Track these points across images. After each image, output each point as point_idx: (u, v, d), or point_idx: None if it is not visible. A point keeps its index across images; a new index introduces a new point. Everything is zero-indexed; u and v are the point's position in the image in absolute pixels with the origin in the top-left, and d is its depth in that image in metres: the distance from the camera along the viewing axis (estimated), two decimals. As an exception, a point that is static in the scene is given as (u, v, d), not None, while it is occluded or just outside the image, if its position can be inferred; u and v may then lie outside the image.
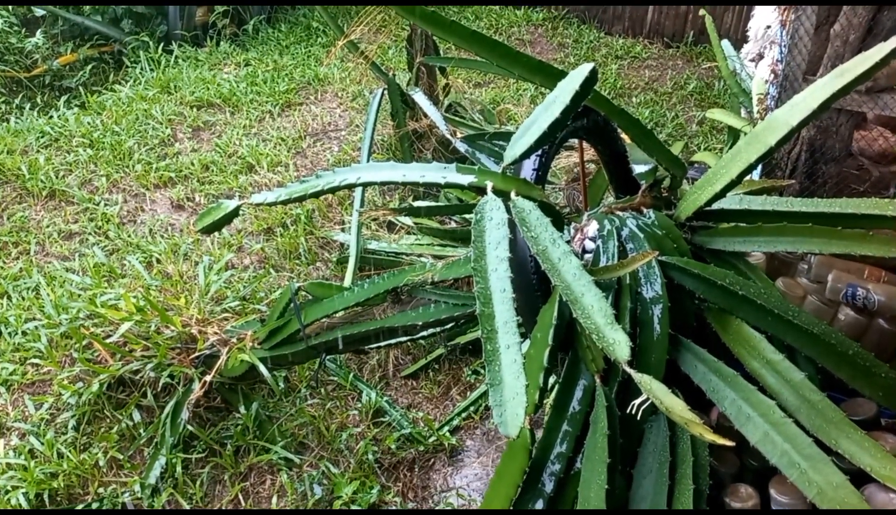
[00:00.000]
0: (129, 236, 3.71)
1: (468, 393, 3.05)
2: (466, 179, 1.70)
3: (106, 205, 3.95)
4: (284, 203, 1.82)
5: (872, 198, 1.80)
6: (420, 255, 3.52)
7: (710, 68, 5.48)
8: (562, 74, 1.77)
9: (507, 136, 3.90)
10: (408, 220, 3.76)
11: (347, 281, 3.30)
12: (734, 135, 3.70)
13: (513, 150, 1.67)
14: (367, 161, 3.70)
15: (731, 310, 1.82)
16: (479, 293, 1.47)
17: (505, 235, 1.55)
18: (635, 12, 6.17)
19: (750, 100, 3.42)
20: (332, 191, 1.77)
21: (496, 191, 1.67)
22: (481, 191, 1.68)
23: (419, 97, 3.95)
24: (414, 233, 3.73)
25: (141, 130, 4.56)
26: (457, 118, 4.23)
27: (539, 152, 1.82)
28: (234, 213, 1.85)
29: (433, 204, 3.70)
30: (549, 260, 1.52)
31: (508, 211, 1.62)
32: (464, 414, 2.95)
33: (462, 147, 3.84)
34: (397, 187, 4.24)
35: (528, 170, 1.84)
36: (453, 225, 3.81)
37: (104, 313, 2.74)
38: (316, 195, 1.80)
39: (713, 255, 1.97)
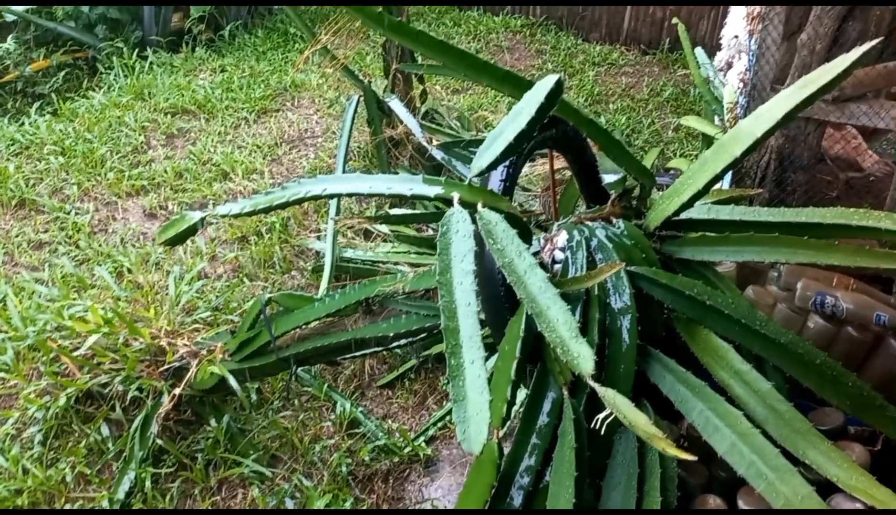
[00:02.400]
0: (100, 246, 3.66)
1: (444, 403, 3.03)
2: (433, 191, 1.68)
3: (77, 213, 3.89)
4: (249, 214, 1.80)
5: (838, 208, 1.80)
6: (396, 263, 3.50)
7: (685, 75, 5.52)
8: (529, 85, 1.76)
9: (483, 143, 3.92)
10: (384, 228, 3.74)
11: (322, 291, 3.27)
12: (708, 142, 3.72)
13: (480, 162, 1.66)
14: (343, 168, 3.68)
15: (699, 320, 1.82)
16: (444, 306, 1.46)
17: (471, 248, 1.53)
18: (612, 20, 6.20)
19: (723, 107, 3.44)
20: (298, 202, 1.75)
21: (463, 203, 1.66)
22: (448, 202, 1.67)
23: (395, 104, 3.93)
24: (390, 241, 3.71)
25: (114, 138, 4.51)
26: (433, 125, 4.22)
27: (507, 163, 1.81)
28: (198, 226, 1.82)
29: (409, 212, 3.69)
30: (514, 273, 1.51)
31: (476, 222, 1.61)
32: (439, 424, 2.93)
33: (438, 154, 3.83)
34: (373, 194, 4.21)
35: (495, 181, 1.83)
36: (430, 232, 3.79)
37: (72, 325, 2.69)
38: (282, 206, 1.78)
39: (682, 265, 1.97)
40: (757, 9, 2.37)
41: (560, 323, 1.41)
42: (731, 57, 2.90)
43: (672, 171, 4.23)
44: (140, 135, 4.56)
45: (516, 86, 1.88)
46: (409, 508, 2.63)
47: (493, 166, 1.65)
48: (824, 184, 3.72)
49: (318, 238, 3.77)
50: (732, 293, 1.93)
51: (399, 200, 4.05)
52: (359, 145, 4.42)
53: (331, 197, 1.73)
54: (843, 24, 2.21)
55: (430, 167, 4.05)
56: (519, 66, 5.90)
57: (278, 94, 5.18)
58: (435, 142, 3.89)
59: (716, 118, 3.63)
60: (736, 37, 2.80)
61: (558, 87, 1.62)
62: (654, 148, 4.62)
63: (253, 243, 3.73)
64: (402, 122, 3.92)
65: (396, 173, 3.95)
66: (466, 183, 1.70)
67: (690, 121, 3.91)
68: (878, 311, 2.07)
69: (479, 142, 3.75)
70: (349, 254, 3.55)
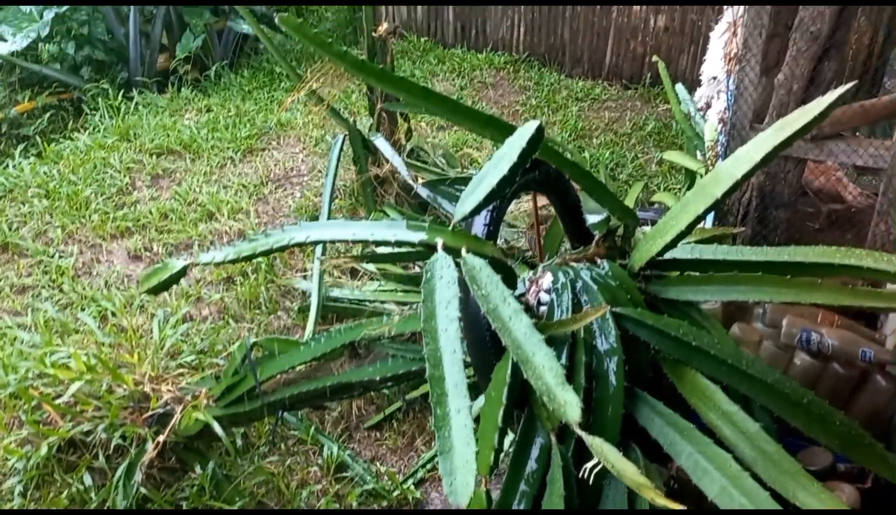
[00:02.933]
0: (84, 289, 3.63)
1: (433, 443, 3.00)
2: (417, 236, 1.68)
3: (61, 257, 3.86)
4: (232, 262, 1.79)
5: (820, 247, 1.81)
6: (383, 302, 3.49)
7: (667, 109, 5.59)
8: (511, 129, 1.78)
9: (468, 181, 3.93)
10: (371, 267, 3.73)
11: (309, 332, 3.25)
12: (691, 176, 3.76)
13: (463, 207, 1.67)
14: (329, 208, 3.69)
15: (685, 361, 1.81)
16: (428, 354, 1.45)
17: (455, 294, 1.53)
18: (594, 55, 6.30)
19: (704, 143, 3.49)
20: (282, 249, 1.75)
21: (447, 248, 1.66)
22: (432, 248, 1.66)
23: (380, 143, 3.96)
24: (377, 280, 3.70)
25: (99, 179, 4.50)
26: (419, 163, 4.24)
27: (490, 207, 1.81)
28: (181, 274, 1.81)
29: (395, 250, 3.68)
30: (499, 319, 1.50)
31: (460, 268, 1.61)
32: (429, 466, 2.90)
33: (424, 192, 3.84)
34: (360, 233, 4.21)
35: (479, 225, 1.84)
36: (417, 269, 3.79)
37: (54, 373, 2.65)
38: (265, 254, 1.77)
39: (668, 304, 1.98)
40: (734, 50, 2.41)
41: (546, 370, 1.40)
42: (709, 97, 2.94)
43: (656, 205, 4.27)
44: (125, 176, 4.55)
45: (498, 129, 1.89)
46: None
47: (476, 211, 1.65)
48: (807, 217, 3.76)
49: (305, 278, 3.76)
50: (718, 332, 1.93)
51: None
52: (345, 184, 4.43)
53: (314, 243, 1.73)
54: (818, 65, 2.25)
55: (416, 205, 4.07)
56: (503, 102, 5.96)
57: (264, 133, 5.19)
58: (421, 181, 3.91)
59: (697, 153, 3.67)
60: (714, 78, 2.85)
61: (539, 133, 1.63)
62: (637, 181, 4.66)
63: (239, 284, 3.71)
64: (387, 161, 3.94)
65: (382, 211, 3.96)
66: (450, 228, 1.70)
67: (673, 156, 3.95)
68: (864, 347, 2.08)
69: (464, 180, 3.78)
70: (336, 293, 3.53)
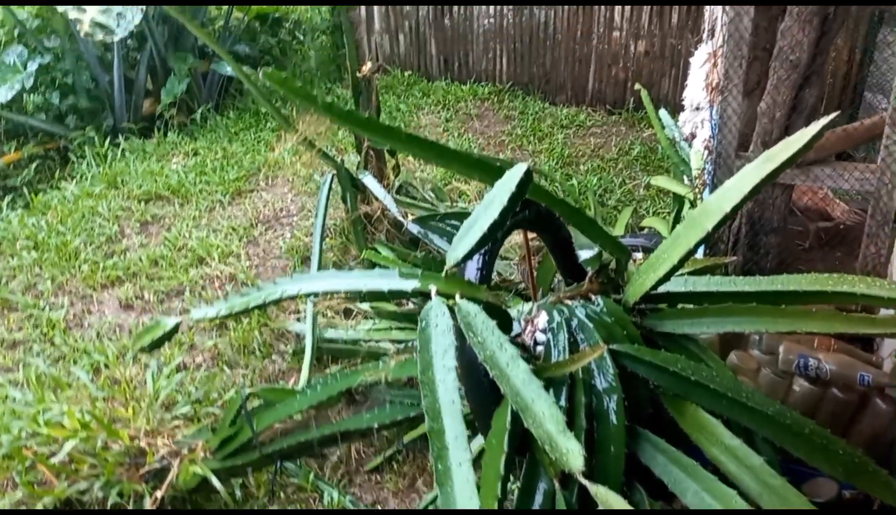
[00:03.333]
0: (76, 341, 3.59)
1: (434, 485, 2.96)
2: (410, 285, 1.68)
3: (51, 309, 3.83)
4: (225, 317, 1.77)
5: (812, 274, 1.82)
6: (378, 341, 3.47)
7: (652, 134, 5.64)
8: (499, 170, 1.78)
9: (459, 216, 3.94)
10: (365, 305, 3.72)
11: (304, 374, 3.22)
12: (679, 201, 3.78)
13: (455, 253, 1.66)
14: (320, 247, 3.68)
15: (685, 396, 1.81)
16: (427, 407, 1.43)
17: (451, 343, 1.52)
18: (577, 82, 6.36)
19: (690, 168, 3.51)
20: (275, 303, 1.74)
21: (441, 295, 1.66)
22: (426, 295, 1.66)
23: (369, 181, 3.96)
24: (371, 318, 3.68)
25: (87, 228, 4.48)
26: (408, 199, 4.24)
27: (482, 251, 1.81)
28: (174, 331, 1.80)
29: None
30: (497, 367, 1.50)
31: (455, 315, 1.61)
32: (431, 507, 2.86)
33: (415, 229, 3.84)
34: (352, 270, 4.20)
35: (472, 270, 1.84)
36: (411, 306, 3.78)
37: (48, 432, 2.62)
38: (258, 307, 1.76)
39: (664, 338, 1.97)
40: (715, 79, 2.44)
41: (546, 417, 1.39)
42: (694, 127, 2.97)
43: (646, 230, 4.28)
44: (114, 224, 4.54)
45: (486, 171, 1.90)
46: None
47: (468, 256, 1.65)
48: (796, 236, 3.78)
49: (298, 320, 3.73)
50: (716, 365, 1.92)
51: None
52: (335, 222, 4.43)
53: (307, 296, 1.72)
54: (800, 92, 2.28)
55: (408, 241, 4.06)
56: (489, 133, 5.99)
57: (252, 175, 5.20)
58: (411, 217, 3.92)
59: (684, 178, 3.69)
60: (698, 108, 2.88)
61: (528, 176, 1.63)
62: (627, 207, 4.69)
63: (232, 329, 3.68)
64: (376, 198, 3.94)
65: (374, 249, 3.95)
66: (443, 274, 1.70)
67: (660, 182, 3.98)
68: (861, 371, 2.08)
69: (454, 215, 3.78)
70: (330, 334, 3.51)
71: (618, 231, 4.28)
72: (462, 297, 1.64)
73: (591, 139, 5.82)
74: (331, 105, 1.80)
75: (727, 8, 2.20)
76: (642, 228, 4.38)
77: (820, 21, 2.17)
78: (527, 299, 3.50)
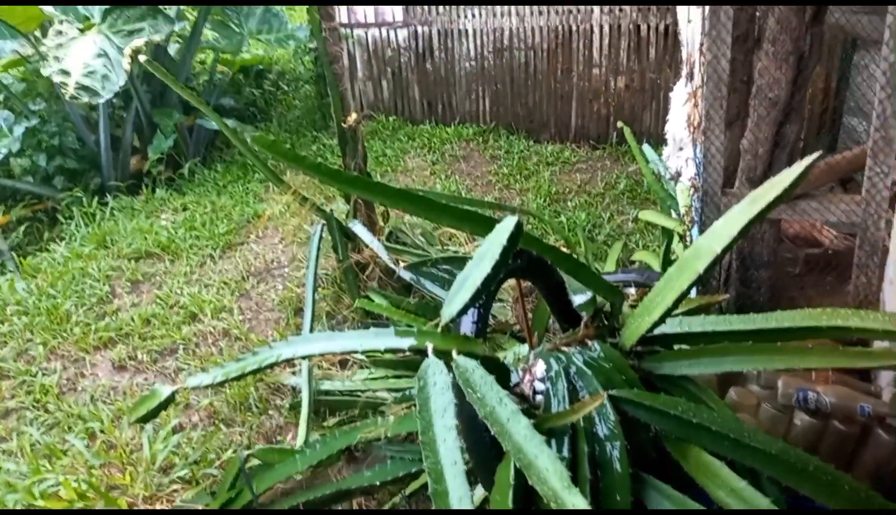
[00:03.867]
0: (70, 407, 3.54)
1: (438, 535, 2.92)
2: (406, 343, 1.67)
3: (44, 375, 3.79)
4: (221, 384, 1.76)
5: (806, 310, 1.83)
6: (376, 391, 3.44)
7: (637, 168, 5.69)
8: (488, 221, 1.80)
9: (450, 261, 3.95)
10: (360, 354, 3.70)
11: (302, 430, 3.18)
12: (668, 234, 3.80)
13: (450, 308, 1.66)
14: (313, 298, 3.67)
15: (688, 439, 1.80)
16: (429, 468, 1.42)
17: (450, 401, 1.51)
18: (560, 119, 6.44)
19: (676, 202, 3.54)
20: (270, 367, 1.73)
21: (437, 352, 1.65)
22: (422, 352, 1.65)
23: (359, 229, 3.98)
24: (367, 367, 3.66)
25: (78, 290, 4.46)
26: (398, 245, 4.26)
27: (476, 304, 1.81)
28: (170, 401, 1.78)
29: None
30: (497, 422, 1.48)
31: (452, 371, 1.60)
32: (436, 560, 2.82)
33: (407, 275, 3.85)
34: (346, 320, 4.20)
35: (467, 324, 1.83)
36: (407, 353, 3.75)
37: (44, 505, 2.57)
38: (254, 372, 1.75)
39: (663, 380, 1.97)
40: (696, 119, 2.47)
41: (550, 473, 1.37)
42: (679, 166, 3.01)
43: (637, 264, 4.30)
44: (104, 284, 4.52)
45: (476, 223, 1.91)
46: None
47: (463, 311, 1.65)
48: (786, 263, 3.80)
49: (294, 373, 3.71)
50: (717, 405, 1.92)
51: (371, 323, 4.04)
52: (326, 272, 4.42)
53: (303, 358, 1.71)
54: (780, 129, 2.32)
55: (400, 287, 4.06)
56: (476, 173, 6.04)
57: (242, 227, 5.20)
58: (402, 264, 3.93)
59: (672, 211, 3.72)
60: (681, 149, 2.92)
61: (518, 229, 1.64)
62: (616, 241, 4.71)
63: (227, 386, 3.64)
64: (367, 246, 3.95)
65: (367, 297, 3.95)
66: (439, 330, 1.70)
67: (648, 216, 4.00)
68: (861, 402, 2.08)
69: (445, 260, 3.78)
70: (326, 386, 3.48)
71: (609, 266, 4.29)
72: (459, 353, 1.64)
73: (577, 175, 5.87)
74: (319, 165, 1.81)
75: (705, 50, 2.24)
76: (633, 262, 4.40)
77: (796, 60, 2.22)
78: (522, 340, 3.49)
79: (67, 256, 4.84)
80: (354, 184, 1.86)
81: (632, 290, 3.36)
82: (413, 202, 1.89)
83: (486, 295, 1.75)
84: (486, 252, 1.66)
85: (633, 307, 2.53)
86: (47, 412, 3.53)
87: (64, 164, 5.81)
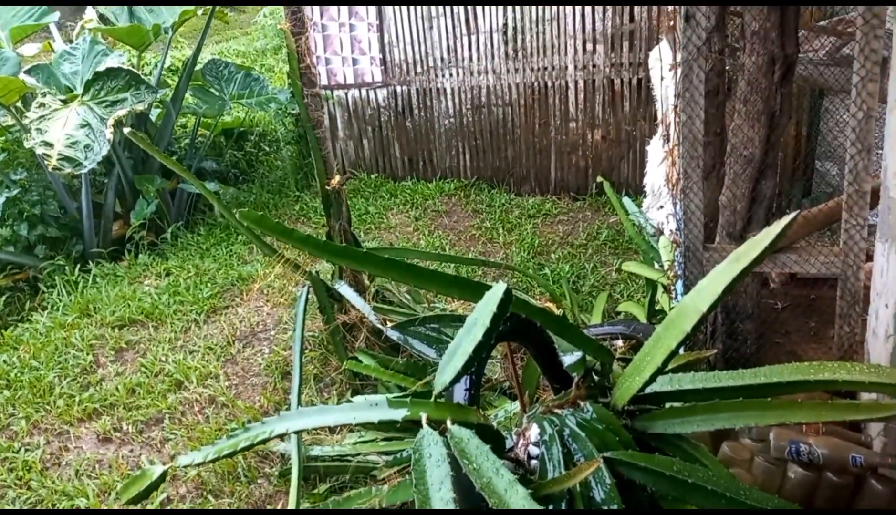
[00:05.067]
0: (54, 483, 3.47)
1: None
2: (399, 414, 1.67)
3: (27, 450, 3.71)
4: (213, 461, 1.74)
5: (793, 364, 1.85)
6: (366, 454, 3.41)
7: (617, 217, 5.77)
8: (476, 286, 1.82)
9: (437, 319, 3.95)
10: (349, 419, 3.66)
11: (292, 498, 3.12)
12: (652, 285, 3.85)
13: (442, 377, 1.67)
14: (300, 362, 3.65)
15: (684, 499, 1.79)
16: (428, 544, 1.41)
17: (447, 473, 1.50)
18: (540, 172, 6.54)
19: (658, 253, 3.59)
20: (262, 443, 1.71)
21: (431, 422, 1.65)
22: (416, 423, 1.65)
23: (345, 290, 3.98)
24: (357, 430, 3.62)
25: (61, 361, 4.40)
26: (385, 305, 4.26)
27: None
28: (161, 480, 1.75)
29: (374, 397, 3.63)
30: (495, 493, 1.48)
31: (447, 442, 1.59)
32: None
33: (394, 335, 3.84)
34: (334, 382, 4.17)
35: (460, 392, 1.84)
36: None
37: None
38: (246, 449, 1.73)
39: (656, 439, 1.97)
40: (674, 177, 2.53)
41: (550, 545, 1.37)
42: (660, 224, 3.06)
43: (623, 315, 4.33)
44: (88, 354, 4.46)
45: (464, 289, 1.93)
46: None
47: (456, 380, 1.65)
48: (769, 297, 3.85)
49: (283, 439, 3.66)
50: (711, 462, 1.92)
51: (360, 386, 4.01)
52: (313, 334, 4.41)
53: (296, 433, 1.70)
54: (756, 185, 2.38)
55: (388, 347, 4.05)
56: (459, 228, 6.09)
57: (226, 290, 5.18)
58: (389, 324, 3.92)
59: (655, 263, 3.77)
60: (661, 207, 2.98)
61: (507, 296, 1.66)
62: (601, 292, 4.75)
63: (215, 455, 3.59)
64: (354, 307, 3.95)
65: (355, 359, 3.93)
66: (432, 399, 1.70)
67: (632, 267, 4.05)
68: (853, 453, 2.09)
69: (433, 318, 3.78)
70: (316, 451, 3.44)
71: (595, 318, 4.32)
72: (453, 422, 1.64)
73: (559, 226, 5.93)
74: (307, 238, 1.83)
75: (679, 111, 2.31)
76: (618, 313, 4.43)
77: (768, 118, 2.29)
78: (513, 397, 3.48)
79: (50, 326, 4.79)
80: (343, 256, 1.88)
81: (619, 343, 3.38)
82: (401, 271, 1.90)
83: (477, 362, 1.76)
84: (476, 320, 1.67)
85: (621, 361, 2.55)
86: (30, 489, 3.45)
87: (46, 233, 5.79)
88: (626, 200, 4.10)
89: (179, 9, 6.28)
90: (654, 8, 5.72)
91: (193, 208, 6.70)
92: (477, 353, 1.66)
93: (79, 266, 5.58)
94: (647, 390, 1.96)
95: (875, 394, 1.95)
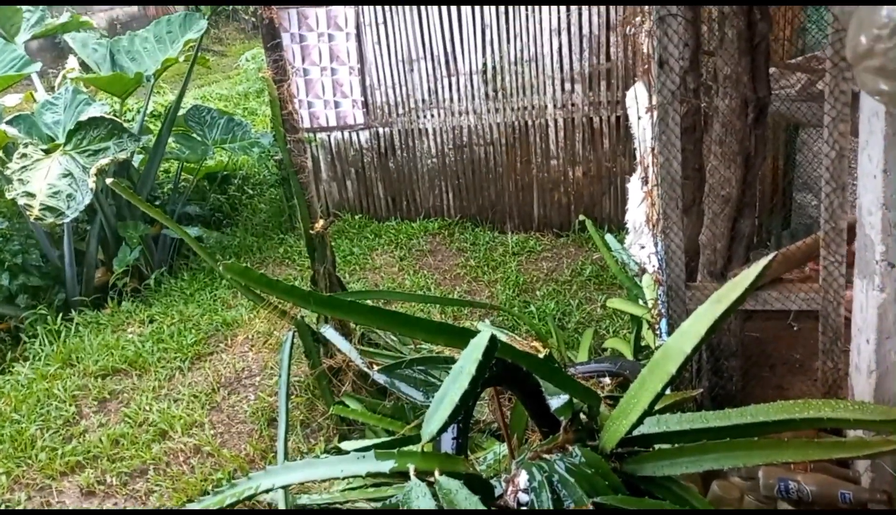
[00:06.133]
0: (35, 541, 3.40)
1: None
2: (387, 465, 1.66)
3: (7, 506, 3.63)
4: (200, 520, 1.71)
5: (779, 403, 1.86)
6: (355, 502, 3.36)
7: (601, 254, 5.81)
8: (462, 332, 1.82)
9: (424, 361, 3.94)
10: (336, 463, 3.62)
11: (281, 550, 3.08)
12: (637, 321, 3.87)
13: (429, 427, 1.66)
14: (286, 408, 3.61)
15: (676, 543, 1.79)
16: (419, 601, 1.39)
17: (435, 525, 1.49)
18: (522, 210, 6.59)
19: (642, 290, 3.62)
20: (249, 499, 1.69)
21: (419, 473, 1.64)
22: (404, 475, 1.64)
23: (330, 334, 3.96)
24: (346, 477, 3.58)
25: (43, 413, 4.34)
26: (371, 348, 4.24)
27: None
28: (147, 542, 1.72)
29: (362, 442, 3.60)
30: (485, 546, 1.47)
31: (436, 494, 1.58)
32: None
33: (381, 379, 3.81)
34: (321, 428, 4.13)
35: (447, 441, 1.83)
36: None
37: None
38: (232, 505, 1.71)
39: (646, 482, 1.96)
40: (654, 217, 2.57)
41: (541, 598, 1.35)
42: (642, 263, 3.10)
43: (609, 351, 4.34)
44: (70, 405, 4.40)
45: (450, 335, 1.94)
46: None
47: (443, 430, 1.65)
48: (751, 328, 3.87)
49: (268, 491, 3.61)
50: (701, 504, 1.92)
51: (348, 430, 3.98)
52: (299, 379, 4.38)
53: (283, 488, 1.68)
54: (735, 225, 2.42)
55: (375, 391, 4.02)
56: (443, 267, 6.10)
57: (211, 336, 5.14)
58: (376, 367, 3.90)
59: (639, 299, 3.80)
60: (643, 247, 3.02)
61: (493, 343, 1.67)
62: (587, 329, 4.76)
63: (201, 506, 3.53)
64: (340, 350, 3.93)
65: (341, 403, 3.90)
66: (419, 449, 1.69)
67: (616, 304, 4.08)
68: (842, 489, 2.09)
69: (419, 360, 3.77)
70: (303, 500, 3.38)
71: (581, 355, 4.32)
72: (441, 473, 1.63)
73: (544, 263, 5.96)
74: (292, 289, 1.83)
75: (657, 153, 2.36)
76: (605, 349, 4.44)
77: (743, 159, 2.34)
78: (501, 439, 3.46)
79: (32, 377, 4.72)
80: (327, 305, 1.88)
81: (607, 380, 3.39)
82: (386, 319, 1.91)
83: (464, 410, 1.76)
84: (462, 368, 1.67)
85: (609, 399, 2.55)
86: (11, 548, 3.38)
87: (27, 282, 5.73)
88: (609, 237, 4.14)
89: (162, 56, 6.33)
90: (630, 47, 5.84)
91: (177, 253, 6.67)
92: (464, 402, 1.66)
93: (61, 314, 5.52)
94: (635, 432, 1.96)
95: (861, 431, 1.96)
